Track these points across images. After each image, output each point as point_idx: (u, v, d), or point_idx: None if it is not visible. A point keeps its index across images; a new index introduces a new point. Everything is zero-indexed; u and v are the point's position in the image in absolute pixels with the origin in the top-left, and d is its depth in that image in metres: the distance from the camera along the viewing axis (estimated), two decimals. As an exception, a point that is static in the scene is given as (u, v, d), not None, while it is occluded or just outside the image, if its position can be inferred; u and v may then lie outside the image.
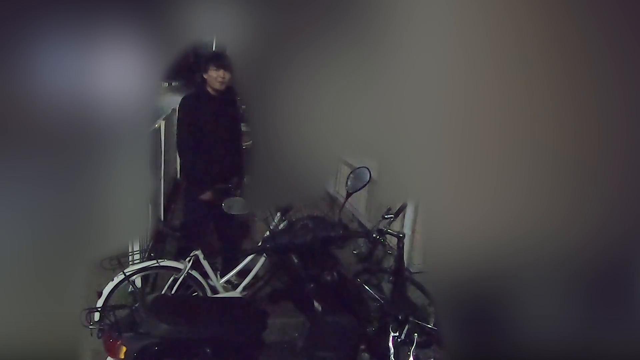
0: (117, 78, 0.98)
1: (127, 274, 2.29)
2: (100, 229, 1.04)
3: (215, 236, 3.04)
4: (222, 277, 2.78)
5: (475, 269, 1.03)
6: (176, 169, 4.61)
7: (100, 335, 1.68)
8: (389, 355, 1.60)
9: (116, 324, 1.65)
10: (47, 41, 0.90)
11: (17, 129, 0.92)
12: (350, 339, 1.79)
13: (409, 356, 1.61)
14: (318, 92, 1.25)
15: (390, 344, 1.61)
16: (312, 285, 1.80)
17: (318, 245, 1.80)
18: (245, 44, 1.20)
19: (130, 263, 2.44)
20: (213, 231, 3.01)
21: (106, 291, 2.31)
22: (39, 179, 0.95)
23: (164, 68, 1.04)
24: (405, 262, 2.29)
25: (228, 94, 2.94)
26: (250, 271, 2.81)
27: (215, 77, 2.80)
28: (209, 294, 2.61)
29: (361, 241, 3.25)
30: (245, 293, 2.74)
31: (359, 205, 4.17)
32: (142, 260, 2.50)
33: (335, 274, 1.77)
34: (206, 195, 2.86)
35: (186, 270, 2.51)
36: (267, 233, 2.59)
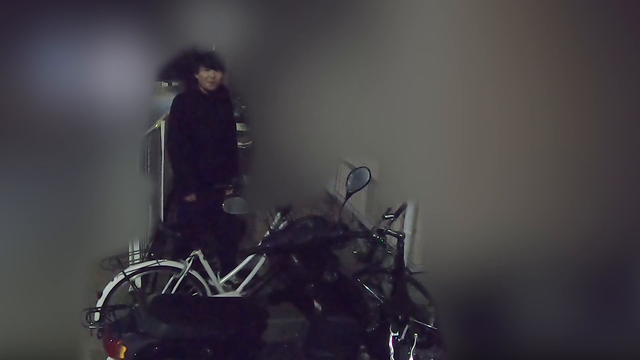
0: (117, 78, 0.98)
1: (127, 274, 2.29)
2: (100, 229, 1.04)
3: (212, 237, 3.03)
4: (222, 277, 2.78)
5: (475, 269, 1.03)
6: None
7: (100, 335, 1.68)
8: (389, 355, 1.60)
9: (116, 324, 1.65)
10: (45, 44, 0.90)
11: (18, 129, 0.92)
12: (350, 339, 1.79)
13: (409, 356, 1.61)
14: (318, 92, 1.25)
15: (390, 344, 1.61)
16: (312, 285, 1.80)
17: (318, 245, 1.80)
18: (245, 44, 1.20)
19: (130, 263, 2.44)
20: (210, 231, 3.01)
21: (106, 291, 2.31)
22: (39, 179, 0.95)
23: (164, 68, 1.04)
24: (405, 262, 2.29)
25: (221, 94, 2.92)
26: (250, 271, 2.81)
27: (205, 77, 2.79)
28: (209, 294, 2.61)
29: (361, 241, 3.25)
30: (245, 293, 2.74)
31: (359, 205, 4.17)
32: (142, 260, 2.50)
33: (335, 274, 1.78)
34: (191, 197, 2.86)
35: (186, 270, 2.51)
36: (267, 233, 2.60)
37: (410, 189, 1.80)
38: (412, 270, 3.05)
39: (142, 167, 3.00)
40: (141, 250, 2.60)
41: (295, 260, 1.82)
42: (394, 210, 2.17)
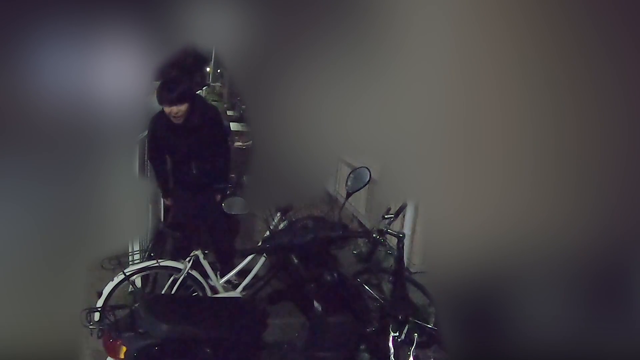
0: (115, 79, 0.98)
1: (127, 274, 2.29)
2: (101, 229, 1.04)
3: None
4: (222, 277, 2.78)
5: (476, 269, 1.03)
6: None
7: (100, 335, 1.68)
8: (389, 355, 1.60)
9: (116, 324, 1.65)
10: (45, 45, 0.90)
11: (18, 129, 0.92)
12: (350, 339, 1.79)
13: (409, 356, 1.61)
14: (318, 92, 1.25)
15: (390, 344, 1.61)
16: (312, 285, 1.80)
17: (318, 245, 1.80)
18: (244, 44, 1.20)
19: (130, 263, 2.44)
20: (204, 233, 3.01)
21: (106, 291, 2.31)
22: (39, 179, 0.95)
23: (161, 67, 1.04)
24: (405, 262, 2.29)
25: (194, 120, 2.68)
26: (250, 271, 2.81)
27: (169, 113, 2.56)
28: (209, 294, 2.61)
29: (361, 241, 3.25)
30: (245, 293, 2.74)
31: (359, 205, 4.17)
32: (142, 260, 2.50)
33: (335, 274, 1.78)
34: (168, 201, 3.03)
35: (186, 270, 2.51)
36: (267, 233, 2.60)
37: (411, 189, 1.80)
38: (412, 270, 3.06)
39: (141, 167, 3.00)
40: (141, 250, 2.60)
41: (295, 260, 1.82)
42: (394, 210, 2.17)
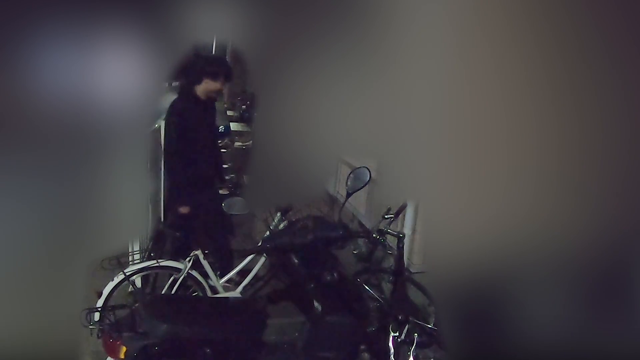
0: (117, 79, 0.98)
1: (127, 274, 2.29)
2: (101, 229, 1.04)
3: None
4: (222, 277, 2.78)
5: (476, 269, 1.03)
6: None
7: (100, 335, 1.68)
8: (389, 355, 1.60)
9: (116, 324, 1.65)
10: (50, 43, 0.90)
11: (19, 129, 0.92)
12: (350, 339, 1.79)
13: (409, 356, 1.61)
14: (318, 93, 1.25)
15: (390, 344, 1.61)
16: (312, 285, 1.80)
17: (318, 245, 1.80)
18: (244, 44, 1.20)
19: (130, 263, 2.43)
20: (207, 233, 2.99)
21: (106, 291, 2.31)
22: (39, 179, 0.95)
23: (166, 68, 1.04)
24: (405, 262, 2.29)
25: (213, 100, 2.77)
26: (250, 271, 2.81)
27: (210, 89, 2.61)
28: (209, 294, 2.61)
29: (361, 241, 3.24)
30: (245, 293, 2.74)
31: (359, 205, 4.17)
32: (142, 260, 2.50)
33: (335, 274, 1.77)
34: (184, 209, 2.70)
35: (186, 270, 2.51)
36: (267, 233, 2.60)
37: (411, 189, 1.80)
38: (412, 270, 3.05)
39: (153, 162, 2.94)
40: (141, 250, 2.59)
41: (295, 260, 1.82)
42: (394, 210, 2.17)
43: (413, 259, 3.20)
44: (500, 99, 0.99)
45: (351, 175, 2.01)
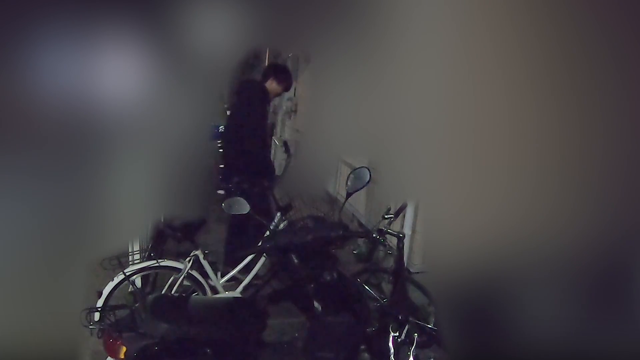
0: (117, 78, 0.98)
1: (127, 274, 2.29)
2: (100, 229, 1.04)
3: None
4: (222, 277, 2.78)
5: (476, 269, 1.03)
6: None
7: (100, 335, 1.68)
8: (389, 355, 1.60)
9: (116, 324, 1.65)
10: (43, 45, 0.90)
11: (19, 129, 0.92)
12: (350, 339, 1.79)
13: (409, 356, 1.61)
14: (319, 93, 1.25)
15: (390, 344, 1.61)
16: (312, 285, 1.80)
17: (318, 245, 1.80)
18: (244, 44, 1.20)
19: (130, 263, 2.43)
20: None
21: (106, 291, 2.31)
22: (40, 179, 0.95)
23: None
24: (405, 262, 2.29)
25: None
26: (250, 271, 2.81)
27: (272, 90, 3.03)
28: (209, 294, 2.61)
29: (361, 241, 3.24)
30: (245, 293, 2.74)
31: (359, 205, 4.17)
32: (142, 260, 2.50)
33: (335, 274, 1.77)
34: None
35: (186, 270, 2.51)
36: (267, 233, 2.60)
37: (411, 189, 1.80)
38: (412, 270, 3.06)
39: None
40: (141, 250, 2.59)
41: (295, 260, 1.82)
42: (394, 210, 2.17)
43: (413, 259, 3.20)
44: (501, 99, 0.99)
45: (351, 175, 2.01)
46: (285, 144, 3.36)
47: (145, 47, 0.98)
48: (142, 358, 1.60)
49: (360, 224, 4.03)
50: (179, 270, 2.51)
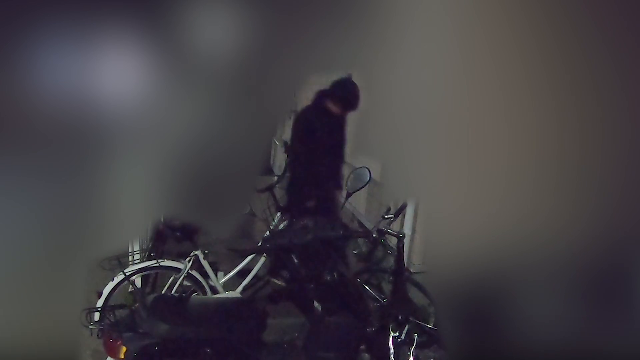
0: (117, 78, 0.98)
1: (127, 274, 2.29)
2: (100, 228, 1.04)
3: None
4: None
5: (476, 269, 1.03)
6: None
7: (100, 335, 1.68)
8: (389, 355, 1.60)
9: (116, 324, 1.65)
10: (44, 44, 0.90)
11: (20, 129, 0.92)
12: (350, 339, 1.79)
13: (409, 356, 1.61)
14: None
15: (390, 344, 1.61)
16: (312, 285, 1.80)
17: (318, 245, 1.80)
18: (243, 44, 1.20)
19: (130, 263, 2.43)
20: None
21: (106, 291, 2.31)
22: (40, 179, 0.95)
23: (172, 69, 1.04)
24: (405, 262, 2.29)
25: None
26: (250, 271, 2.81)
27: (332, 109, 2.78)
28: (209, 294, 2.61)
29: (361, 241, 3.24)
30: (245, 293, 2.74)
31: (359, 205, 4.17)
32: (142, 260, 2.50)
33: (335, 274, 1.77)
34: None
35: (186, 270, 2.51)
36: (267, 233, 2.60)
37: (411, 189, 1.80)
38: (412, 270, 3.05)
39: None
40: (141, 250, 2.59)
41: (295, 260, 1.82)
42: (394, 210, 2.17)
43: (413, 259, 3.20)
44: (500, 100, 0.99)
45: (351, 175, 2.01)
46: (285, 144, 3.31)
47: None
48: (142, 358, 1.60)
49: (360, 224, 4.03)
50: (179, 270, 2.51)
